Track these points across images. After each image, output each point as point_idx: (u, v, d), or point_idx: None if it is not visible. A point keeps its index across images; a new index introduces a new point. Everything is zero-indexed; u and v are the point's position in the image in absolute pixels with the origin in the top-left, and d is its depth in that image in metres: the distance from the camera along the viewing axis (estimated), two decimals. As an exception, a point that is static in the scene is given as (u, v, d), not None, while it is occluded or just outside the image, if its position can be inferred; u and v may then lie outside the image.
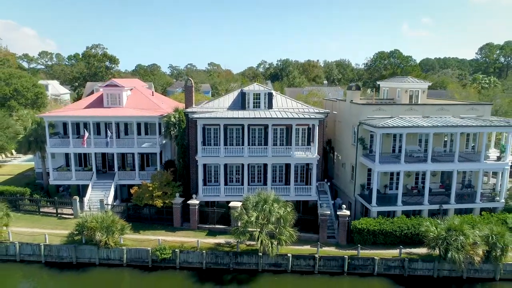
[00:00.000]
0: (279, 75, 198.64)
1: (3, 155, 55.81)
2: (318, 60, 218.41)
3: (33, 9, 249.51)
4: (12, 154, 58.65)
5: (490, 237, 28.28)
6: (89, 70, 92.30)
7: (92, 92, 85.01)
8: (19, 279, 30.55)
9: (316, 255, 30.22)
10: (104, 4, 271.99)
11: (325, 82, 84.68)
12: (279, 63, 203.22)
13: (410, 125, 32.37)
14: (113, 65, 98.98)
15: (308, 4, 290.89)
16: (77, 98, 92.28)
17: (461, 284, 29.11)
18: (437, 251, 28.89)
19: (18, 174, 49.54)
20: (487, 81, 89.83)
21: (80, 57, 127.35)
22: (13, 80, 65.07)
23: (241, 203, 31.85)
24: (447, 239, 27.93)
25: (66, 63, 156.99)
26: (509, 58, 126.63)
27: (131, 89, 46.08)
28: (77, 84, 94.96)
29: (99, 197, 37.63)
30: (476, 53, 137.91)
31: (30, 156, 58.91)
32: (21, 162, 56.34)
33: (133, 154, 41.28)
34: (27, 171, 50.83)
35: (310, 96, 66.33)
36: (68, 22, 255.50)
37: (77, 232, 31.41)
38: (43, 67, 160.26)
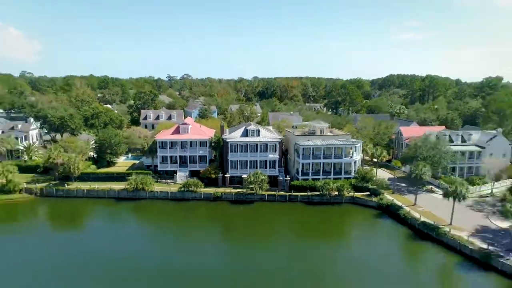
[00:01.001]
0: (266, 92, 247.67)
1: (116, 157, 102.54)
2: (300, 77, 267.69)
3: (19, 9, 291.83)
4: (116, 156, 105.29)
5: (338, 185, 77.47)
6: (140, 101, 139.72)
7: (146, 117, 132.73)
8: (160, 205, 78.48)
9: (276, 194, 79.21)
10: (96, 5, 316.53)
11: (291, 112, 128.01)
12: (265, 83, 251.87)
13: (314, 144, 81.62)
14: (156, 98, 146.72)
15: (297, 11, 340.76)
16: (131, 119, 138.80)
17: (330, 204, 78.07)
18: (321, 191, 78.00)
19: (131, 166, 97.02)
20: (398, 109, 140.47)
21: (111, 79, 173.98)
22: (109, 113, 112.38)
23: (247, 175, 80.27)
24: (323, 186, 77.12)
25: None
26: (428, 88, 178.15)
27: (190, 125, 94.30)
28: (132, 110, 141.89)
29: (183, 174, 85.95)
30: (404, 83, 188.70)
31: (125, 156, 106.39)
32: (124, 160, 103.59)
33: (194, 156, 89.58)
34: (133, 165, 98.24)
35: (282, 122, 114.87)
36: (56, 25, 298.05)
37: (183, 186, 79.86)
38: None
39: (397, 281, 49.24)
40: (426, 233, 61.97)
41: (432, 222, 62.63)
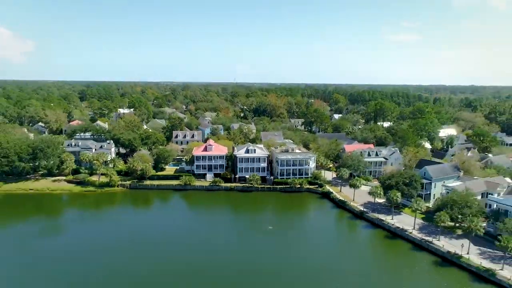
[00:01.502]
0: (259, 109, 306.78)
1: (165, 165, 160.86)
2: (286, 96, 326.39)
3: (18, 10, 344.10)
4: (166, 164, 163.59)
5: (300, 181, 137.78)
6: (171, 124, 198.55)
7: (176, 135, 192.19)
8: (199, 193, 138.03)
9: (265, 187, 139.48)
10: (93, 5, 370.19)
11: (275, 133, 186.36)
12: (259, 102, 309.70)
13: (287, 158, 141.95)
14: (182, 122, 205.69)
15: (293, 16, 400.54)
16: (166, 138, 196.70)
17: (295, 192, 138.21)
18: (290, 185, 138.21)
19: (175, 170, 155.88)
20: (350, 130, 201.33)
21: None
22: (156, 135, 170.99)
23: (248, 176, 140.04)
24: (291, 182, 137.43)
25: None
26: (379, 111, 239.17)
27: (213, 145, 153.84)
28: (165, 131, 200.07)
29: (210, 176, 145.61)
30: (373, 98, 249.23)
31: (168, 164, 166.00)
32: (169, 167, 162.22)
33: (216, 164, 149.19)
34: (176, 170, 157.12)
35: (270, 141, 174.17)
36: (55, 25, 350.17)
37: (211, 182, 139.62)
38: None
39: (324, 227, 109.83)
40: (340, 205, 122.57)
41: (343, 199, 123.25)
